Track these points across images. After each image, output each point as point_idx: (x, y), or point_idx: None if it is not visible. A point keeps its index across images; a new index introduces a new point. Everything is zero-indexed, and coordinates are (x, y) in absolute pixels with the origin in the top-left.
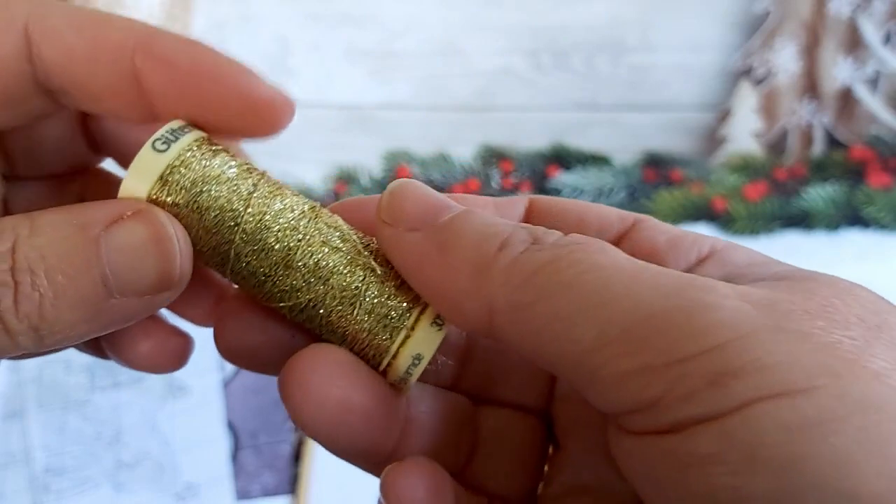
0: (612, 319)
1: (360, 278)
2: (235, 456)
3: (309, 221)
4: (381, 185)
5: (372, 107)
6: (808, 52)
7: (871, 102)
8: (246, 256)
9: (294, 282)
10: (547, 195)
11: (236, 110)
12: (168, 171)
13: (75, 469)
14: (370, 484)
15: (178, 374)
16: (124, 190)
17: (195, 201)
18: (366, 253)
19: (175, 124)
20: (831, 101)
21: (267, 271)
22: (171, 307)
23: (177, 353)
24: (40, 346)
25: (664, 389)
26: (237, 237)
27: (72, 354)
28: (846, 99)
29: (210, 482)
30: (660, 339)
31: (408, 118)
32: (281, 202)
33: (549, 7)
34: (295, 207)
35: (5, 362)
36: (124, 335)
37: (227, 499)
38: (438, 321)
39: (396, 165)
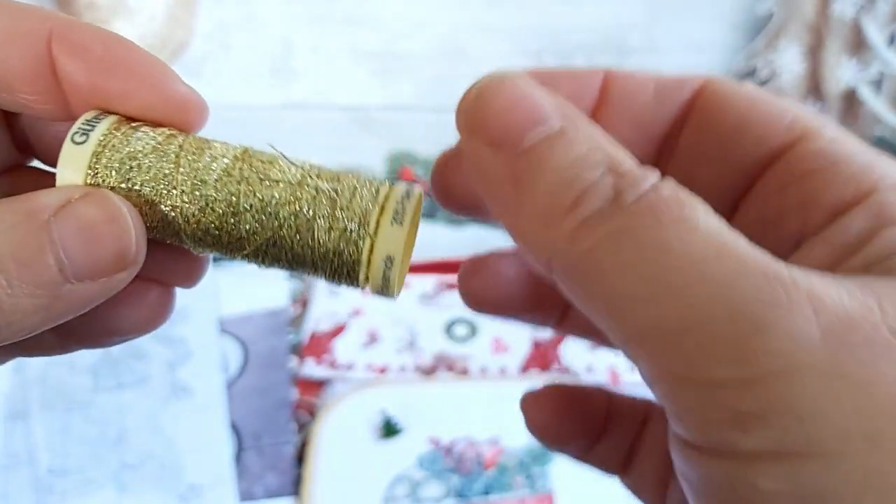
0: (661, 315)
1: (309, 202)
2: (239, 457)
3: (243, 164)
4: None
5: (375, 108)
6: (811, 54)
7: (876, 104)
8: (193, 217)
9: (247, 226)
10: None
11: (149, 105)
12: (94, 160)
13: (79, 470)
14: (371, 485)
15: (181, 375)
16: (60, 184)
17: (128, 179)
18: (310, 176)
19: (90, 115)
20: (835, 103)
21: (218, 224)
22: (152, 278)
23: (158, 306)
24: None
25: (695, 407)
26: (178, 200)
27: (76, 356)
28: (850, 100)
29: (213, 483)
30: (702, 351)
31: (411, 119)
32: (210, 154)
33: (552, 9)
34: (225, 155)
35: (8, 364)
36: (115, 303)
37: (230, 500)
38: (397, 217)
39: (400, 167)
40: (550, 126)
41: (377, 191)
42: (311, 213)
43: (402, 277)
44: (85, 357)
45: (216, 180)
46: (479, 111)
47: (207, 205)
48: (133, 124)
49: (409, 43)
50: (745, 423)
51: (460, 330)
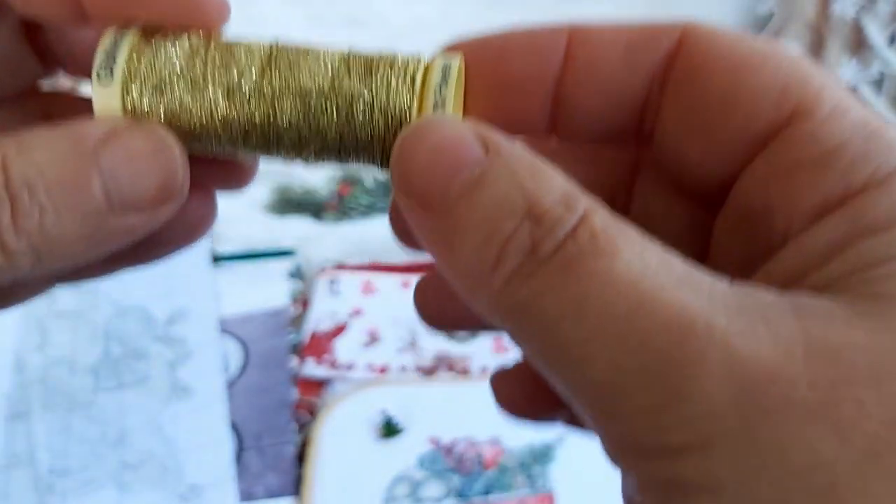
0: (585, 380)
1: (343, 106)
2: (239, 457)
3: (272, 71)
4: (384, 187)
5: None
6: (812, 54)
7: (876, 103)
8: (227, 131)
9: (283, 133)
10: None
11: (167, 10)
12: (125, 99)
13: (80, 470)
14: (372, 484)
15: (181, 375)
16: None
17: (160, 103)
18: (341, 75)
19: (107, 42)
20: None
21: (255, 134)
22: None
23: (202, 214)
24: (37, 267)
25: (630, 470)
26: (211, 117)
27: (76, 356)
28: None
29: (214, 483)
30: (626, 421)
31: None
32: (237, 64)
33: (552, 8)
34: (252, 63)
35: (10, 363)
36: None
37: (230, 500)
38: (437, 106)
39: None
40: (471, 171)
41: (413, 80)
42: (346, 116)
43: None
44: (85, 357)
45: (247, 93)
46: (403, 170)
47: (241, 117)
48: (153, 39)
49: (408, 43)
50: (669, 491)
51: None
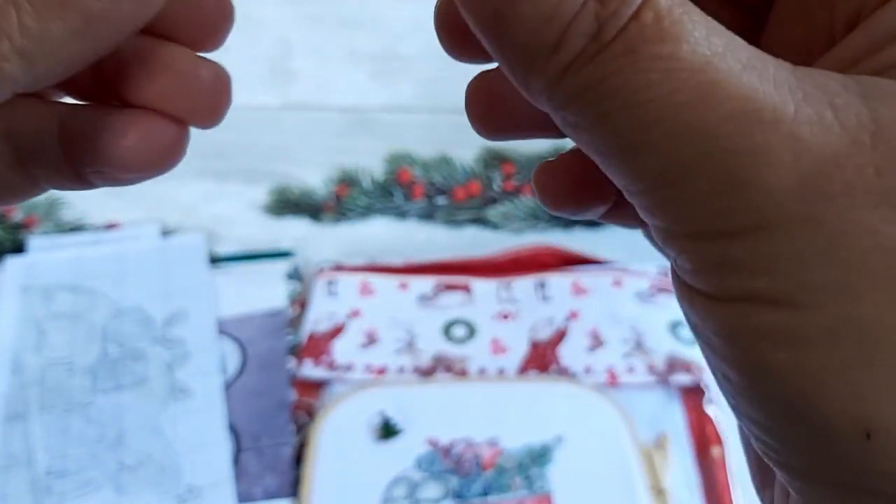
0: (647, 169)
1: None
2: (237, 458)
3: None
4: (382, 188)
5: (374, 109)
6: None
7: None
8: None
9: None
10: None
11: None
12: None
13: (77, 471)
14: (370, 486)
15: (180, 377)
16: None
17: None
18: None
19: None
20: None
21: None
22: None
23: (171, 143)
24: (30, 71)
25: (688, 254)
26: None
27: (74, 357)
28: None
29: (212, 485)
30: (688, 207)
31: (409, 121)
32: None
33: None
34: None
35: (7, 364)
36: (108, 130)
37: (228, 501)
38: None
39: (398, 168)
40: None
41: None
42: None
43: None
44: (83, 358)
45: None
46: None
47: None
48: None
49: (408, 44)
50: (728, 273)
51: (459, 331)
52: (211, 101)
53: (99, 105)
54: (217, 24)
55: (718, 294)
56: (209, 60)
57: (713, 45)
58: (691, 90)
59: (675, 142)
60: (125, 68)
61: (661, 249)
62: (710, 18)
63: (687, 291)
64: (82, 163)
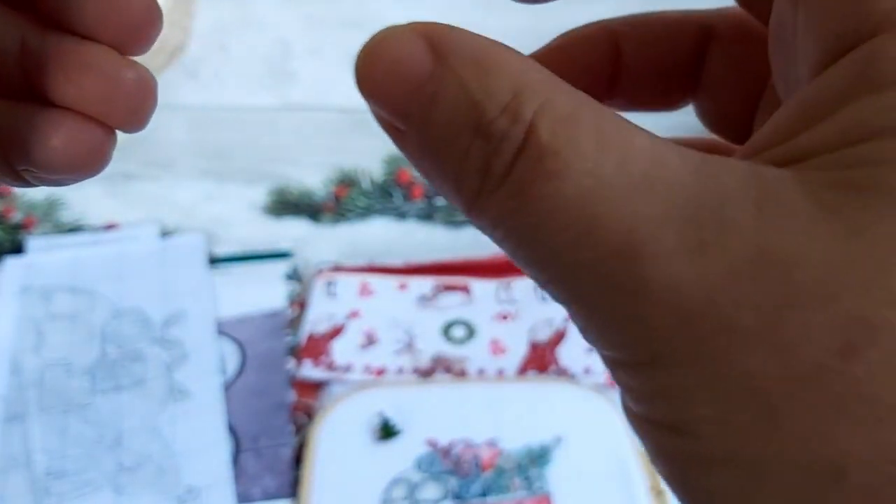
0: (557, 299)
1: None
2: (236, 459)
3: None
4: (382, 188)
5: None
6: None
7: None
8: None
9: None
10: None
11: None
12: None
13: (76, 472)
14: (369, 486)
15: (178, 377)
16: None
17: None
18: None
19: None
20: None
21: None
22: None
23: (95, 146)
24: None
25: (609, 371)
26: None
27: (73, 358)
28: None
29: (211, 486)
30: (593, 330)
31: None
32: None
33: (549, 10)
34: None
35: (6, 365)
36: (33, 131)
37: (227, 502)
38: None
39: (397, 169)
40: (425, 90)
41: None
42: None
43: None
44: (82, 359)
45: None
46: (367, 92)
47: None
48: None
49: None
50: (637, 399)
51: (458, 332)
52: (134, 104)
53: (28, 104)
54: (143, 26)
55: (641, 416)
56: (135, 63)
57: (601, 167)
58: (574, 229)
59: (571, 279)
60: (48, 68)
61: None
62: (607, 117)
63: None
64: (13, 161)
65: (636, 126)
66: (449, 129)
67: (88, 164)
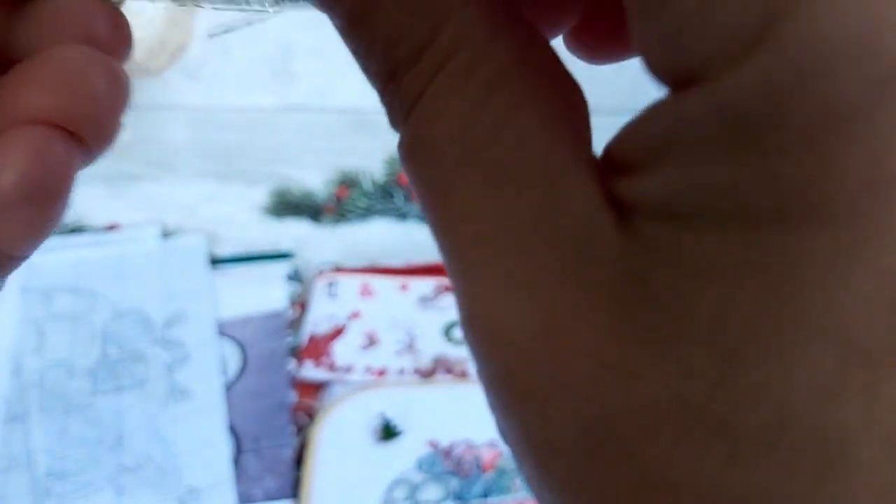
0: None
1: None
2: (237, 460)
3: None
4: (383, 189)
5: (374, 111)
6: None
7: None
8: None
9: None
10: None
11: None
12: None
13: (77, 473)
14: (370, 487)
15: (180, 378)
16: None
17: None
18: None
19: None
20: None
21: None
22: None
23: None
24: None
25: None
26: None
27: (74, 358)
28: None
29: (212, 486)
30: None
31: None
32: None
33: None
34: None
35: (7, 366)
36: None
37: (228, 503)
38: None
39: (398, 170)
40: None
41: None
42: None
43: None
44: (83, 360)
45: None
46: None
47: None
48: None
49: None
50: None
51: (459, 332)
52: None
53: None
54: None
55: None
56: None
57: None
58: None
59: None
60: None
61: None
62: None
63: None
64: None
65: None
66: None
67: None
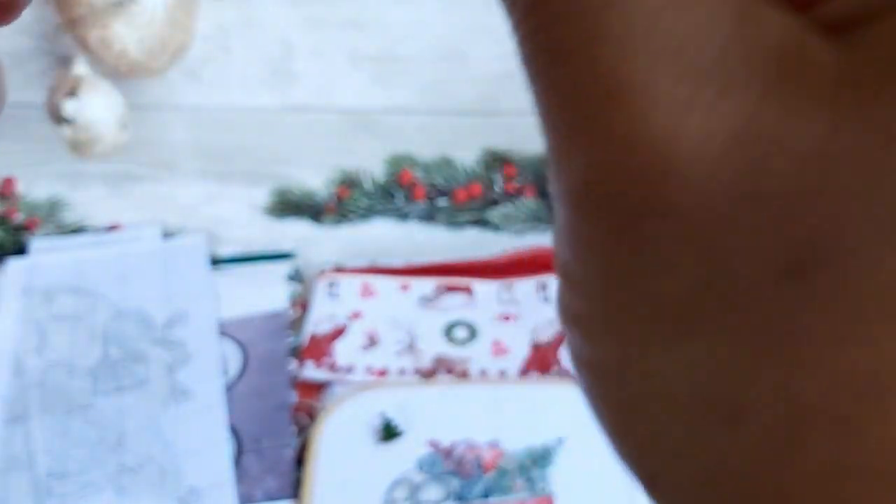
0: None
1: None
2: (238, 460)
3: None
4: (384, 190)
5: (375, 111)
6: None
7: None
8: None
9: None
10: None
11: None
12: None
13: (78, 473)
14: (371, 487)
15: (180, 378)
16: None
17: None
18: None
19: None
20: None
21: None
22: None
23: None
24: None
25: None
26: None
27: (75, 359)
28: None
29: (213, 486)
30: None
31: (411, 122)
32: None
33: None
34: None
35: (8, 365)
36: None
37: (229, 503)
38: None
39: (399, 170)
40: None
41: None
42: None
43: None
44: (84, 360)
45: None
46: None
47: None
48: None
49: (409, 46)
50: None
51: (460, 333)
52: None
53: None
54: None
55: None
56: None
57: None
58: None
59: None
60: None
61: None
62: None
63: None
64: None
65: None
66: None
67: None
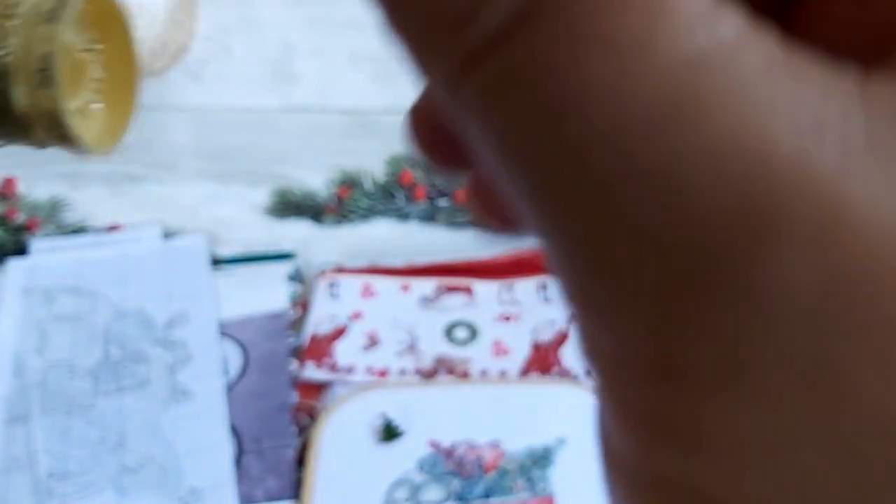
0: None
1: None
2: (239, 461)
3: None
4: (384, 190)
5: (375, 111)
6: None
7: None
8: None
9: None
10: None
11: None
12: None
13: (79, 473)
14: (371, 488)
15: (181, 379)
16: None
17: None
18: None
19: None
20: None
21: None
22: None
23: None
24: None
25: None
26: None
27: (76, 359)
28: None
29: (213, 487)
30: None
31: None
32: None
33: None
34: None
35: (9, 366)
36: None
37: (230, 503)
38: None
39: (400, 170)
40: None
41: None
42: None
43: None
44: (85, 360)
45: None
46: None
47: None
48: None
49: None
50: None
51: (461, 333)
52: None
53: None
54: None
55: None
56: None
57: (718, 28)
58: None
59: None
60: None
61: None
62: None
63: None
64: None
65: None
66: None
67: None
